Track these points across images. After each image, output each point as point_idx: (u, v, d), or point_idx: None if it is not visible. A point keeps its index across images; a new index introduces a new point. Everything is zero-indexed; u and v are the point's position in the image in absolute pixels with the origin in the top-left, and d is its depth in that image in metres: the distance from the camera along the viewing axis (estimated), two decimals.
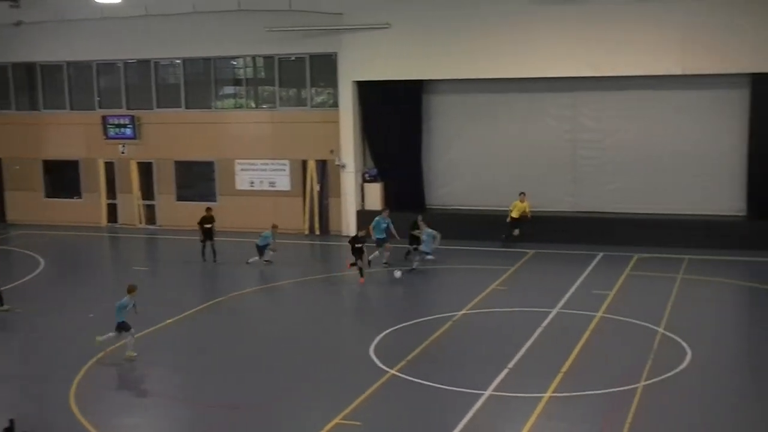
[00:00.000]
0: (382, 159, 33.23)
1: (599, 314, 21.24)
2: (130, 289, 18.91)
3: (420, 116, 32.74)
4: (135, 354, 18.45)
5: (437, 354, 18.52)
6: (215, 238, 29.09)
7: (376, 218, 27.86)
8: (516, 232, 29.76)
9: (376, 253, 27.26)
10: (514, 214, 29.79)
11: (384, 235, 27.54)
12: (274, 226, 28.63)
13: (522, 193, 29.97)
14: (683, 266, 26.49)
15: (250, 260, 28.09)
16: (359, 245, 25.53)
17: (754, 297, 23.84)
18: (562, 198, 31.76)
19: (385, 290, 25.53)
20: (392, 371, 17.29)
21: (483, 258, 28.38)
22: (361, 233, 25.97)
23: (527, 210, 30.00)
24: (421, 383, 16.60)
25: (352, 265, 25.82)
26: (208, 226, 28.98)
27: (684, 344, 18.76)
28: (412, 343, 19.08)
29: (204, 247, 28.93)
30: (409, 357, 18.16)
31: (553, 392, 16.02)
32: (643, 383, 16.41)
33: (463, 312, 21.70)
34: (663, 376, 16.82)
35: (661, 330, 19.83)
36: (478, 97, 32.32)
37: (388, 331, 20.17)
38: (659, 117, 30.45)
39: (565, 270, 26.30)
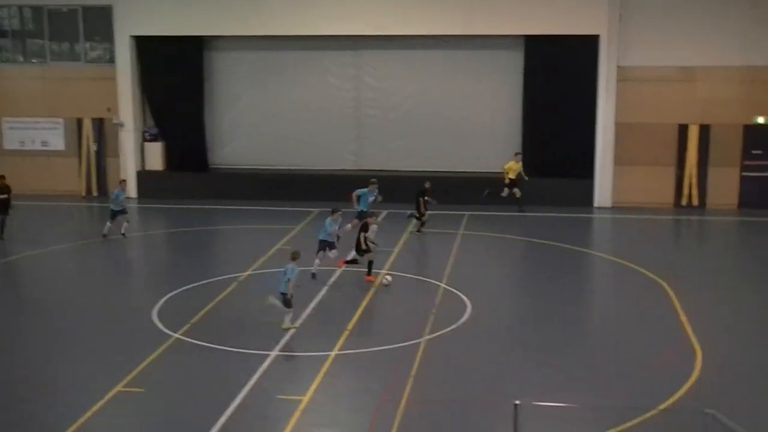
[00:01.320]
0: (162, 117, 32.26)
1: (384, 271, 21.52)
2: (294, 256, 17.39)
3: (202, 73, 31.98)
4: (296, 326, 17.23)
5: (222, 316, 18.21)
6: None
7: (364, 190, 24.38)
8: (505, 192, 28.62)
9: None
10: (511, 176, 28.83)
11: (367, 209, 23.89)
12: (122, 181, 26.73)
13: (517, 153, 29.28)
14: (463, 222, 27.30)
15: (106, 230, 25.14)
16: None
17: (528, 250, 24.96)
18: (346, 157, 31.97)
19: (167, 253, 24.90)
20: (176, 335, 16.88)
21: (268, 218, 28.08)
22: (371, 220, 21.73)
23: (521, 171, 29.05)
24: (206, 346, 16.28)
25: (349, 262, 21.13)
26: (4, 196, 25.00)
27: (464, 298, 19.38)
28: (196, 305, 18.66)
29: (2, 222, 25.04)
30: (194, 320, 17.78)
31: (339, 350, 16.11)
32: (426, 338, 16.80)
33: (248, 273, 21.42)
34: (445, 330, 17.31)
35: (443, 285, 20.36)
36: (261, 54, 31.86)
37: (171, 294, 19.64)
38: (442, 76, 31.09)
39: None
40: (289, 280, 17.02)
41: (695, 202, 29.55)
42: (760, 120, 28.97)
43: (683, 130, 29.41)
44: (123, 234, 25.05)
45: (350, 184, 29.54)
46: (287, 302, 17.07)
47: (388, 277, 20.50)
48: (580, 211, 29.11)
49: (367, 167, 31.69)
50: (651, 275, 21.25)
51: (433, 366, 15.50)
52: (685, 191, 29.60)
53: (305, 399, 14.00)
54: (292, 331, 17.15)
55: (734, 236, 27.24)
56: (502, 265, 23.47)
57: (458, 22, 29.28)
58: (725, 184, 29.54)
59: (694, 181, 29.44)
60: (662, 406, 13.72)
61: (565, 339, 17.20)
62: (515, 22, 29.16)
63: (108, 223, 25.21)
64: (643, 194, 29.55)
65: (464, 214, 28.35)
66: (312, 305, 18.87)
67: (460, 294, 19.67)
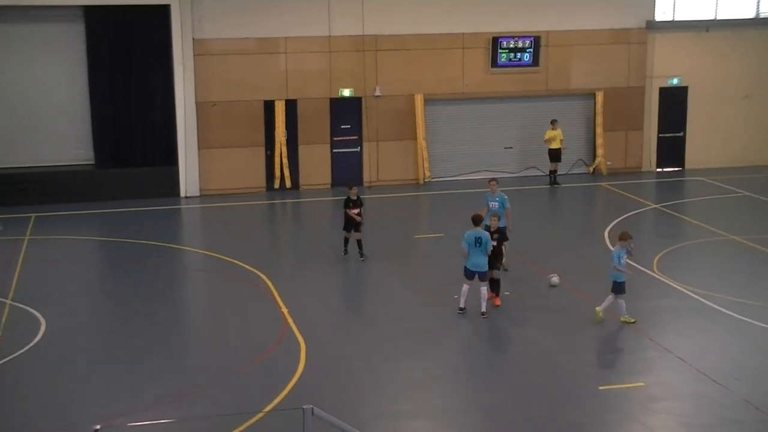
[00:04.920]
0: None
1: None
2: (624, 236, 17.72)
3: None
4: (633, 320, 17.81)
5: None
6: None
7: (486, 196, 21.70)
8: (553, 166, 30.54)
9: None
10: (555, 146, 30.37)
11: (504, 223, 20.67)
12: None
13: (554, 120, 30.55)
14: (30, 226, 26.17)
15: None
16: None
17: (109, 251, 24.58)
18: None
19: None
20: None
21: None
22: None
23: (562, 138, 30.54)
24: None
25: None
26: (356, 211, 22.47)
27: (37, 314, 18.69)
28: None
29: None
30: None
31: None
32: None
33: None
34: (15, 354, 16.64)
35: (9, 302, 19.45)
36: None
37: None
38: None
39: None
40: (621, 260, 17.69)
41: (288, 183, 30.28)
42: (346, 93, 30.42)
43: (269, 106, 30.01)
44: None
45: None
46: (622, 288, 17.72)
47: (555, 278, 20.27)
48: (166, 203, 28.84)
49: None
50: (248, 267, 21.73)
51: (2, 398, 14.83)
52: (277, 173, 30.20)
53: None
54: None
55: (327, 218, 27.86)
56: (80, 271, 22.76)
57: None
58: (317, 163, 30.68)
59: (285, 161, 30.13)
60: (268, 408, 14.19)
61: (156, 347, 17.24)
62: None
63: None
64: (234, 179, 29.87)
65: (31, 216, 27.11)
66: None
67: (32, 310, 18.91)
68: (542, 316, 18.76)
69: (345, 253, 22.63)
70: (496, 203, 21.23)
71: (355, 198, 22.35)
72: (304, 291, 20.53)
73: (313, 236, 25.64)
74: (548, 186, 30.65)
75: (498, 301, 19.21)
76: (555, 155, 30.80)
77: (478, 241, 18.18)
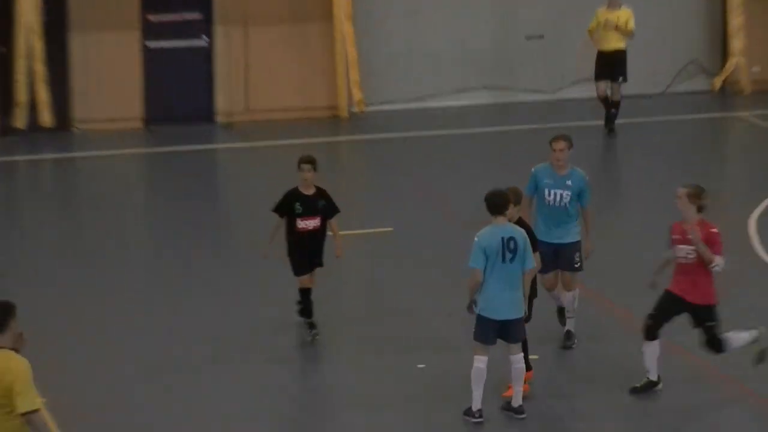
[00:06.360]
0: None
1: None
2: None
3: None
4: None
5: None
6: None
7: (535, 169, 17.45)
8: (611, 88, 25.48)
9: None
10: (607, 45, 25.76)
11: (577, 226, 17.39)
12: None
13: None
14: None
15: None
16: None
17: None
18: None
19: None
20: None
21: None
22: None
23: (630, 26, 25.75)
24: None
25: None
26: (315, 222, 19.79)
27: None
28: None
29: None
30: None
31: None
32: None
33: None
34: None
35: None
36: None
37: None
38: None
39: None
40: None
41: (46, 118, 26.08)
42: None
43: None
44: None
45: None
46: None
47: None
48: None
49: None
50: None
51: None
52: (21, 96, 26.01)
53: None
54: None
55: (128, 196, 24.41)
56: None
57: None
58: (111, 74, 26.18)
59: (39, 69, 26.02)
60: None
61: None
62: None
63: None
64: None
65: None
66: None
67: None
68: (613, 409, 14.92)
69: (310, 328, 17.18)
70: (567, 191, 16.51)
71: (310, 193, 17.38)
72: (76, 360, 16.62)
73: (96, 234, 22.08)
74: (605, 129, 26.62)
75: (528, 379, 16.45)
76: (609, 67, 25.67)
77: (510, 246, 14.89)
